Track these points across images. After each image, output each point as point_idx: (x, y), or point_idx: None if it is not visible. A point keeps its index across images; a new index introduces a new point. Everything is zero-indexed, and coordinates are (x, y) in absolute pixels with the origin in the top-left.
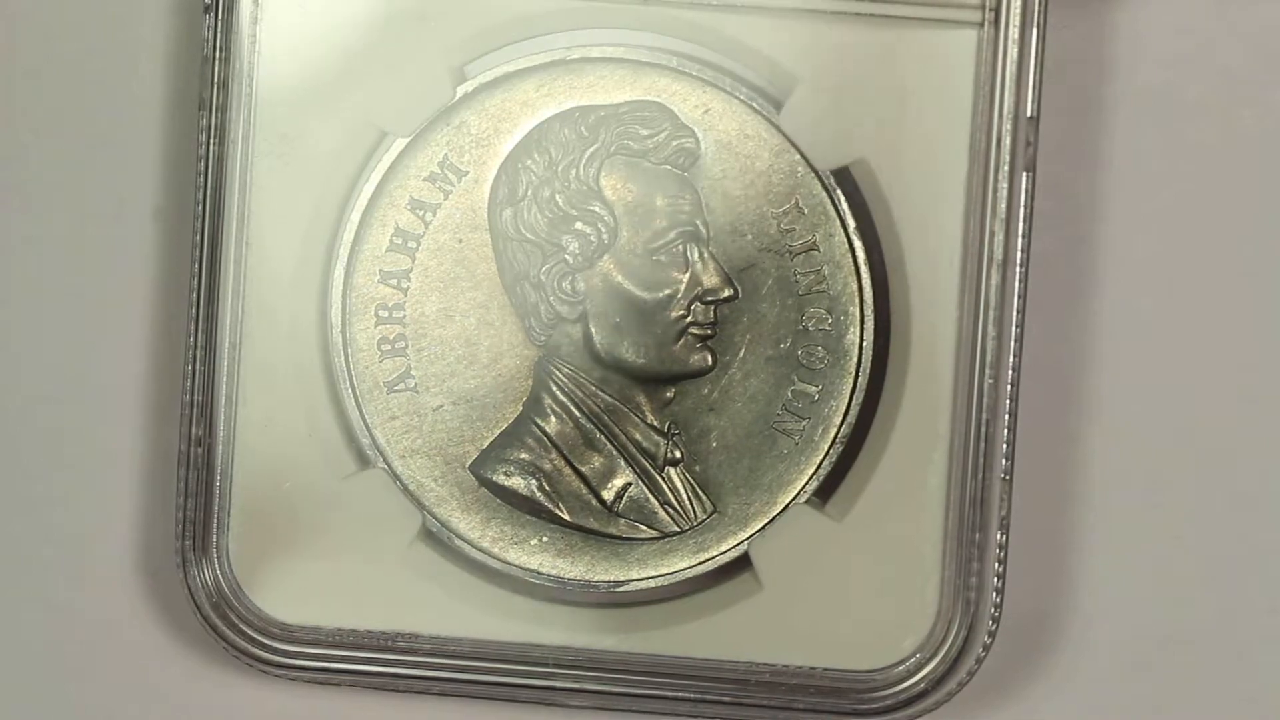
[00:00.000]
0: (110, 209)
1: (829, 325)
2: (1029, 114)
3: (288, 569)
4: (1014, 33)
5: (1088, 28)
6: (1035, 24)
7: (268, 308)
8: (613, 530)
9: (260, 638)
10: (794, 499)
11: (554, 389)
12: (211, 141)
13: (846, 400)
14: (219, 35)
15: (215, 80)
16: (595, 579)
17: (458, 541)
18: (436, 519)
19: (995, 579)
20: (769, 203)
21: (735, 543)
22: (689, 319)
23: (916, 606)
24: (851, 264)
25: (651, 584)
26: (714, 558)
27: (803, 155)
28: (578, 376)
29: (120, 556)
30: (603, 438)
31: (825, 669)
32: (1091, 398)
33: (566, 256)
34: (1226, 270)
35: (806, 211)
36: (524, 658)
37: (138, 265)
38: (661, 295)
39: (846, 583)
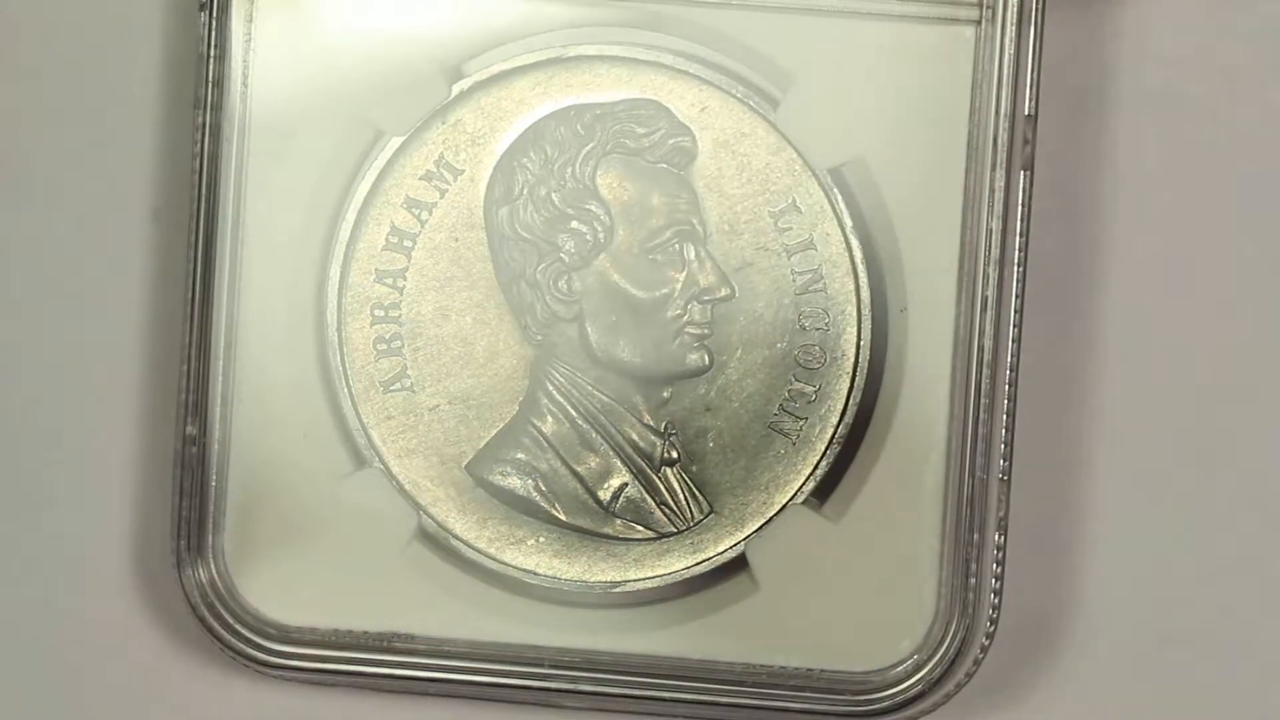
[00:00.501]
0: (106, 209)
1: (826, 325)
2: (1026, 112)
3: (283, 569)
4: (1011, 31)
5: (1088, 28)
6: (1033, 22)
7: (263, 307)
8: (609, 530)
9: (255, 638)
10: (791, 499)
11: (550, 389)
12: (207, 140)
13: (843, 400)
14: (214, 34)
15: (210, 79)
16: (592, 579)
17: (454, 542)
18: (433, 519)
19: (993, 580)
20: (766, 201)
21: (732, 543)
22: (685, 318)
23: (914, 607)
24: (849, 263)
25: (648, 584)
26: (711, 558)
27: (799, 154)
28: (574, 376)
29: (116, 556)
30: (599, 438)
31: (822, 670)
32: (1092, 397)
33: (562, 255)
34: (1227, 270)
35: (803, 210)
36: (520, 658)
37: (133, 264)
38: (658, 294)
39: (843, 583)
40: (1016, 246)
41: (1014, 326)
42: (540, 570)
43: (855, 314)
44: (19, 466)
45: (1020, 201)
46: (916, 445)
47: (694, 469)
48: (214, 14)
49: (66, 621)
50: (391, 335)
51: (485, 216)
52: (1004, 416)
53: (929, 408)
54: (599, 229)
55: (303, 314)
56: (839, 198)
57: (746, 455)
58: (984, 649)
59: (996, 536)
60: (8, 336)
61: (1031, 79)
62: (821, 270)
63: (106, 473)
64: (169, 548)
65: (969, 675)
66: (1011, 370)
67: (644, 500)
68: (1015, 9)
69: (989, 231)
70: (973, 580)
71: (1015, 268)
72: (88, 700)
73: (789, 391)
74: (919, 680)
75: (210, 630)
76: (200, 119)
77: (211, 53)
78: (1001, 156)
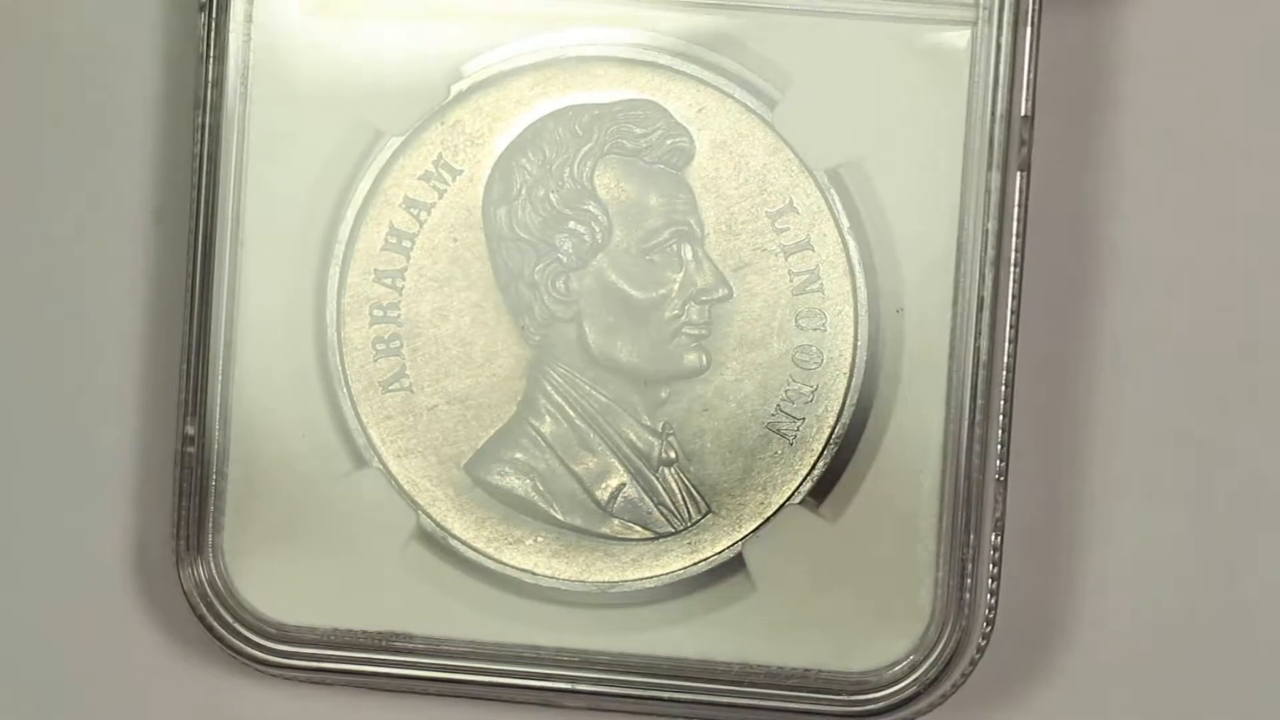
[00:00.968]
0: (107, 209)
1: (823, 325)
2: (1023, 113)
3: (282, 568)
4: (1007, 32)
5: (1087, 28)
6: (1029, 23)
7: (263, 307)
8: (607, 530)
9: (254, 637)
10: (788, 500)
11: (548, 389)
12: (206, 141)
13: (840, 400)
14: (213, 34)
15: (209, 80)
16: (590, 579)
17: (452, 541)
18: (431, 519)
19: (989, 580)
20: (763, 202)
21: (729, 543)
22: (683, 319)
23: (910, 608)
24: (845, 263)
25: (645, 584)
26: (708, 558)
27: (796, 154)
28: (572, 376)
29: (115, 555)
30: (597, 438)
31: (818, 670)
32: (1090, 398)
33: (560, 256)
34: (1225, 270)
35: (800, 211)
36: (518, 658)
37: (133, 264)
38: (655, 295)
39: (840, 584)
40: (1013, 247)
41: (1010, 327)
42: (538, 570)
43: (852, 314)
44: (19, 465)
45: (1017, 202)
46: (913, 446)
47: (691, 469)
48: (213, 14)
49: (66, 620)
50: (390, 335)
51: (483, 217)
52: (1000, 417)
53: (925, 408)
54: (597, 229)
55: (302, 314)
56: (836, 198)
57: (744, 455)
58: (980, 650)
59: (993, 537)
60: (8, 336)
61: (1028, 80)
62: (819, 270)
63: (106, 472)
64: (168, 547)
65: (965, 676)
66: (1008, 371)
67: (642, 500)
68: (1011, 10)
69: (985, 232)
70: (969, 581)
71: (1011, 268)
72: (87, 699)
73: (786, 392)
74: (915, 681)
75: (209, 629)
76: (199, 119)
77: (211, 53)
78: (998, 157)
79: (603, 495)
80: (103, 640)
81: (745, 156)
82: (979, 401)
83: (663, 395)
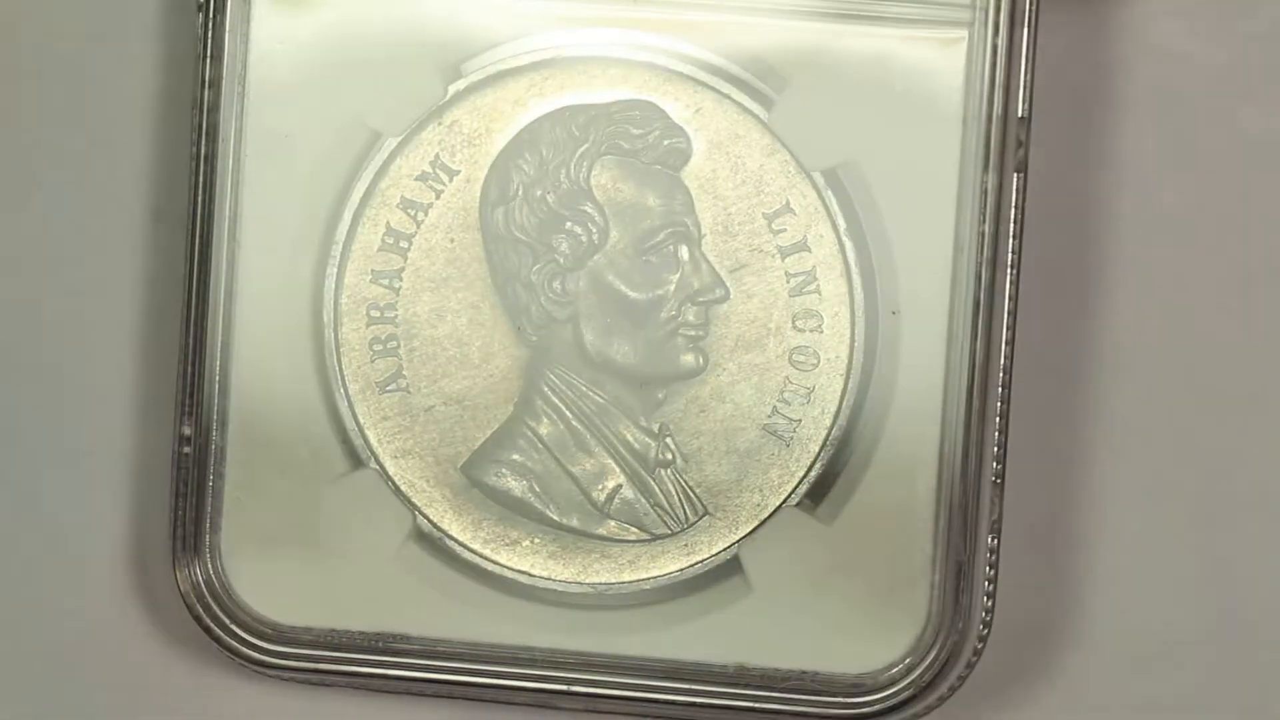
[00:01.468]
0: (105, 209)
1: (819, 326)
2: (1020, 114)
3: (279, 569)
4: (1004, 33)
5: (1087, 27)
6: (1026, 24)
7: (260, 307)
8: (603, 532)
9: (251, 637)
10: (784, 502)
11: (545, 390)
12: (203, 141)
13: (837, 402)
14: (210, 35)
15: (206, 80)
16: (586, 580)
17: (449, 542)
18: (428, 520)
19: (986, 583)
20: (760, 203)
21: (725, 545)
22: (680, 319)
23: (906, 610)
24: (842, 265)
25: (642, 586)
26: (704, 560)
27: (793, 155)
28: (569, 377)
29: (113, 556)
30: (594, 439)
31: (814, 672)
32: (1092, 399)
33: (557, 256)
34: (1225, 270)
35: (797, 212)
36: (515, 659)
37: (130, 264)
38: (652, 295)
39: (836, 586)
40: (1010, 249)
41: (1007, 329)
42: (535, 571)
43: (849, 316)
44: (17, 466)
45: (1013, 203)
46: (909, 448)
47: (688, 470)
48: (210, 15)
49: (63, 620)
50: (387, 336)
51: (481, 217)
52: (996, 419)
53: (922, 410)
54: (593, 230)
55: (299, 315)
56: (833, 199)
57: (740, 457)
58: (977, 652)
59: (989, 539)
60: (6, 336)
61: (1025, 81)
62: (815, 272)
63: (104, 472)
64: (165, 547)
65: (961, 679)
66: (1004, 373)
67: (638, 502)
68: (1007, 12)
69: (981, 233)
70: (965, 584)
71: (1008, 270)
72: (84, 699)
73: (783, 393)
74: (911, 683)
75: (206, 630)
76: (196, 120)
77: (208, 53)
78: (994, 159)
79: (599, 496)
80: (100, 640)
81: (742, 157)
82: (975, 403)
83: (659, 396)
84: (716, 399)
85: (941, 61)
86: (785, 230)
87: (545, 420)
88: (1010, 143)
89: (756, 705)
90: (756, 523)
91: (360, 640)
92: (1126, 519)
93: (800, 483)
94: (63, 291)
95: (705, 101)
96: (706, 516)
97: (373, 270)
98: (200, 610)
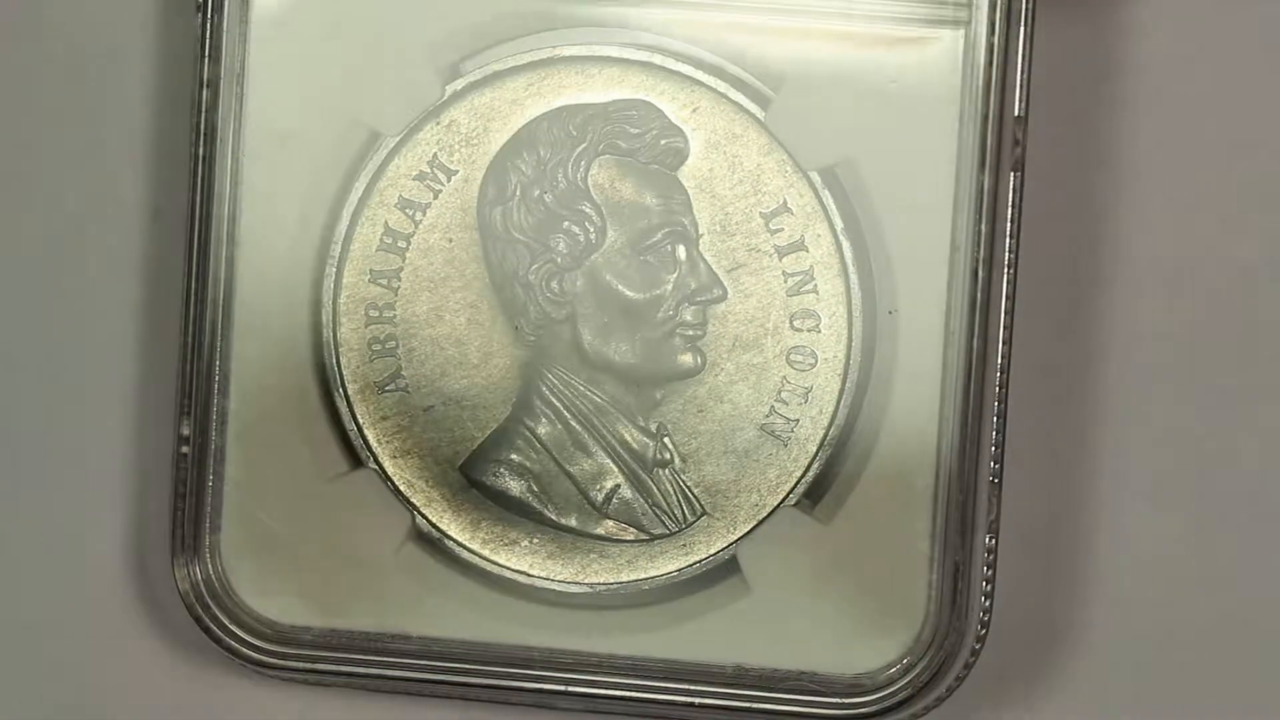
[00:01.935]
0: (104, 209)
1: (817, 326)
2: (1016, 113)
3: (278, 569)
4: (1000, 32)
5: (1086, 28)
6: (1023, 23)
7: (259, 308)
8: (601, 532)
9: (250, 637)
10: (782, 501)
11: (544, 390)
12: (202, 142)
13: (834, 402)
14: (209, 35)
15: (205, 80)
16: (585, 580)
17: (448, 543)
18: (427, 520)
19: (984, 583)
20: (757, 203)
21: (723, 545)
22: (677, 319)
23: (904, 610)
24: (840, 264)
25: (640, 586)
26: (702, 560)
27: (790, 155)
28: (567, 377)
29: (112, 556)
30: (592, 439)
31: (812, 672)
32: (1092, 399)
33: (555, 256)
34: (1225, 270)
35: (795, 211)
36: (513, 659)
37: (130, 264)
38: (650, 295)
39: (834, 586)
40: (1006, 248)
41: (1004, 328)
42: (533, 571)
43: (846, 315)
44: (17, 465)
45: (1010, 203)
46: (907, 447)
47: (686, 470)
48: (209, 15)
49: (63, 620)
50: (386, 336)
51: (479, 217)
52: (994, 418)
53: (919, 410)
54: (591, 229)
55: (298, 314)
56: (830, 199)
57: (738, 457)
58: (975, 652)
59: (987, 539)
60: (5, 336)
61: (1021, 80)
62: (813, 271)
63: (103, 472)
64: (165, 547)
65: (960, 679)
66: (1001, 372)
67: (636, 501)
68: (1004, 11)
69: (978, 233)
70: (963, 583)
71: (1005, 269)
72: (83, 698)
73: (780, 393)
74: (909, 683)
75: (206, 630)
76: (195, 120)
77: (207, 53)
78: (990, 158)
79: (598, 496)
80: (99, 640)
81: (739, 157)
82: (973, 403)
83: (657, 396)
84: (714, 399)
85: (938, 60)
86: (783, 230)
87: (543, 420)
88: (1007, 142)
89: (754, 705)
90: (754, 523)
91: (359, 640)
92: (1124, 519)
93: (798, 483)
94: (62, 291)
95: (702, 101)
96: (704, 516)
97: (371, 270)
98: (200, 610)
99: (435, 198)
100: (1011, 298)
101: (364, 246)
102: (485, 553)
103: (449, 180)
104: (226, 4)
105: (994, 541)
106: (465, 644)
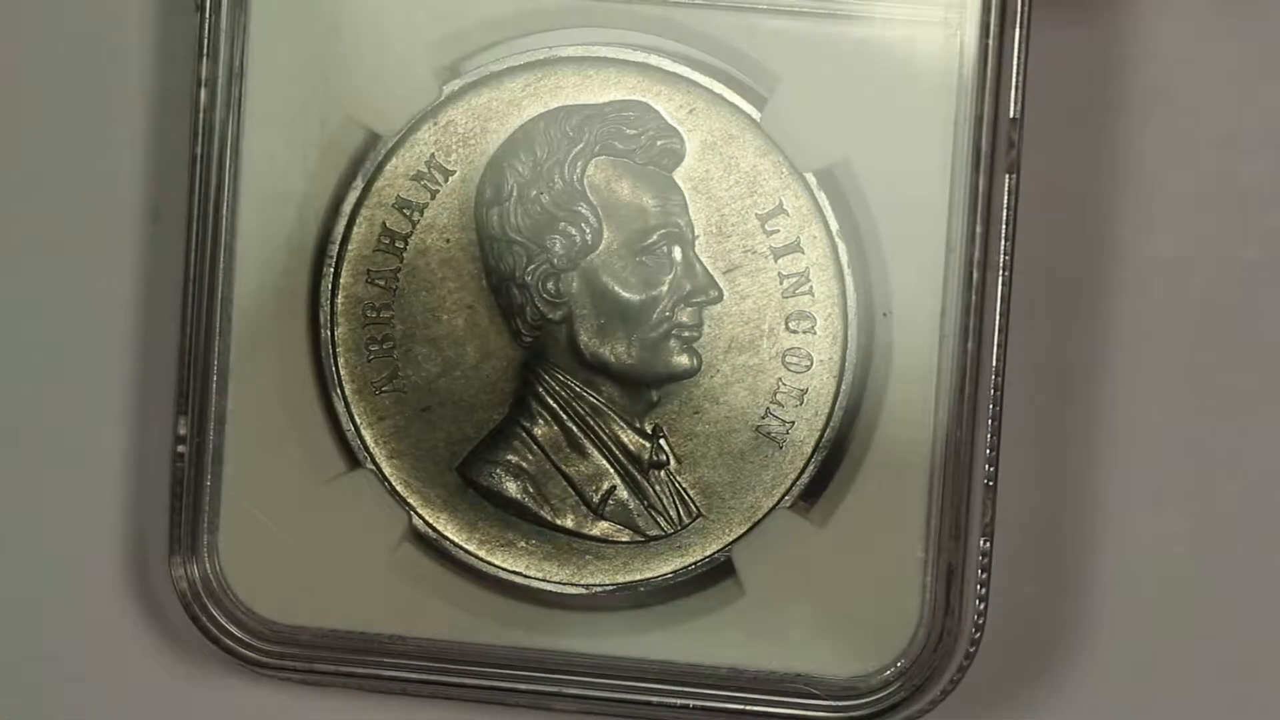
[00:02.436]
0: (102, 209)
1: (813, 328)
2: (1011, 115)
3: (275, 569)
4: (995, 33)
5: (1086, 28)
6: (1018, 24)
7: (256, 308)
8: (597, 533)
9: (248, 637)
10: (777, 504)
11: (540, 391)
12: (200, 141)
13: (830, 404)
14: (207, 35)
15: (203, 80)
16: (580, 582)
17: (445, 543)
18: (424, 520)
19: (979, 586)
20: (753, 204)
21: (719, 547)
22: (673, 321)
23: (899, 613)
24: (835, 266)
25: (635, 588)
26: (697, 562)
27: (786, 156)
28: (563, 378)
29: (110, 555)
30: (588, 441)
31: (807, 675)
32: (1086, 400)
33: (551, 257)
34: (1225, 271)
35: (791, 213)
36: (508, 660)
37: (126, 264)
38: (646, 296)
39: (829, 588)
40: (1002, 250)
41: (999, 331)
42: (529, 572)
43: (842, 317)
44: (14, 465)
45: (1005, 204)
46: (902, 450)
47: (682, 472)
48: (207, 14)
49: (60, 620)
50: (383, 336)
51: (476, 218)
52: (989, 421)
53: (915, 412)
54: (587, 231)
55: (296, 314)
56: (825, 200)
57: (734, 458)
58: (969, 656)
59: (982, 542)
60: (3, 335)
61: (1016, 82)
62: (809, 273)
63: (101, 471)
64: (163, 547)
65: (954, 682)
66: (996, 374)
67: (632, 503)
68: (998, 12)
69: (973, 235)
70: (958, 586)
71: (1000, 271)
72: (80, 698)
73: (776, 395)
74: (903, 686)
75: (203, 629)
76: (193, 120)
77: (205, 53)
78: (985, 160)
79: (594, 498)
80: (97, 640)
81: (735, 158)
82: (967, 406)
83: (653, 398)
84: (710, 401)
85: (934, 62)
86: (778, 231)
87: (540, 421)
88: (1002, 143)
89: (749, 708)
90: (749, 525)
91: (356, 640)
92: (1120, 521)
93: (793, 485)
94: (59, 291)
95: (698, 102)
96: (700, 518)
97: (369, 270)
98: (197, 609)
99: (432, 198)
100: (1007, 300)
101: (361, 247)
102: (481, 553)
103: (446, 181)
104: (225, 4)
105: (989, 544)
106: (461, 645)
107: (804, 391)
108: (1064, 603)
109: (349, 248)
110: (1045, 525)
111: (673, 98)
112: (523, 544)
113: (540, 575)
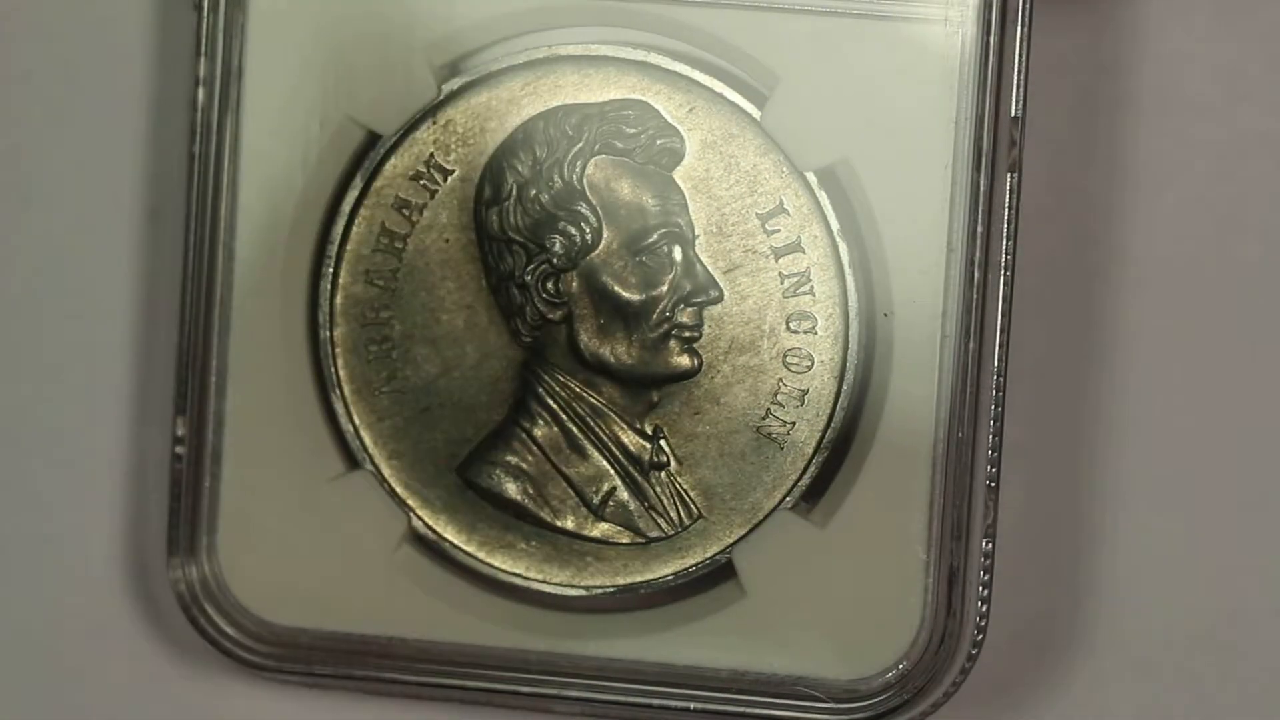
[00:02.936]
0: (100, 209)
1: (814, 328)
2: (1013, 114)
3: (274, 570)
4: (995, 31)
5: (1087, 28)
6: (1019, 23)
7: (255, 308)
8: (597, 535)
9: (246, 639)
10: (778, 505)
11: (540, 392)
12: (198, 141)
13: (831, 404)
14: (205, 34)
15: (202, 79)
16: (580, 584)
17: (444, 545)
18: (423, 522)
19: (981, 588)
20: (754, 203)
21: (719, 549)
22: (674, 321)
23: (901, 614)
24: (836, 266)
25: (636, 590)
26: (698, 564)
27: (786, 155)
28: (563, 379)
29: (108, 556)
30: (588, 441)
31: (808, 677)
32: (1088, 400)
33: (551, 257)
34: (1226, 271)
35: (791, 212)
36: (508, 663)
37: (125, 264)
38: (646, 296)
39: (830, 590)
40: (1003, 250)
41: (1001, 330)
42: (529, 574)
43: (843, 317)
44: (12, 466)
45: (1007, 204)
46: (904, 450)
47: (682, 473)
48: (205, 14)
49: (58, 621)
50: (382, 337)
51: (475, 217)
52: (990, 421)
53: (916, 412)
54: (587, 230)
55: (294, 315)
56: (826, 200)
57: (735, 459)
58: (971, 658)
59: (984, 543)
60: (2, 337)
61: (1017, 80)
62: (809, 273)
63: (99, 472)
64: (161, 548)
65: (956, 684)
66: (998, 374)
67: (633, 504)
68: (999, 10)
69: (975, 234)
70: (959, 588)
71: (1001, 271)
72: (79, 700)
73: (777, 395)
74: (905, 688)
75: (202, 631)
76: (191, 119)
77: (204, 53)
78: (986, 158)
79: (594, 499)
80: (95, 641)
81: (735, 157)
82: (969, 406)
83: (654, 398)
84: (710, 401)
85: (935, 60)
86: (779, 231)
87: (540, 422)
88: (1003, 142)
89: (750, 710)
90: (750, 526)
91: (356, 642)
92: (1123, 522)
93: (794, 486)
94: (57, 291)
95: (698, 101)
96: (700, 520)
97: (368, 270)
98: (196, 611)
99: (432, 198)
100: (1008, 299)
101: (360, 247)
102: (481, 555)
103: (445, 180)
104: (223, 2)
105: (991, 545)
106: (461, 647)
107: (805, 392)
108: (1061, 605)
109: (348, 248)
110: (1043, 527)
111: (672, 96)
112: (523, 545)
113: (540, 577)
